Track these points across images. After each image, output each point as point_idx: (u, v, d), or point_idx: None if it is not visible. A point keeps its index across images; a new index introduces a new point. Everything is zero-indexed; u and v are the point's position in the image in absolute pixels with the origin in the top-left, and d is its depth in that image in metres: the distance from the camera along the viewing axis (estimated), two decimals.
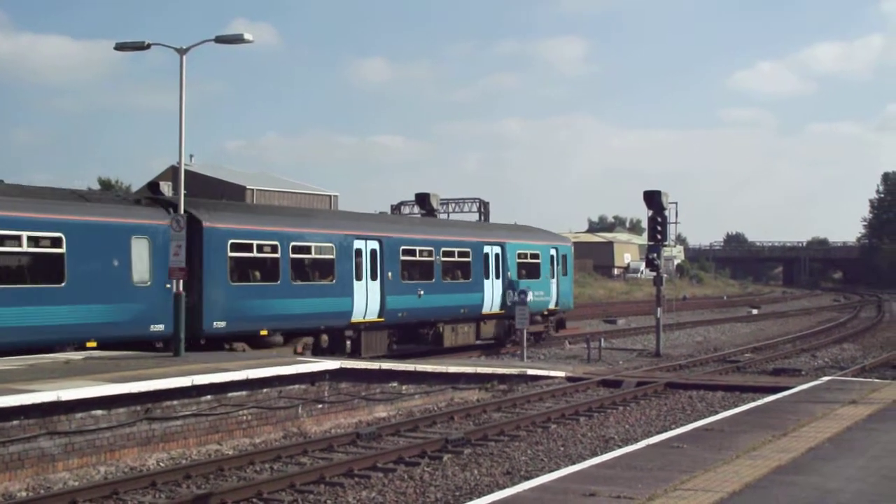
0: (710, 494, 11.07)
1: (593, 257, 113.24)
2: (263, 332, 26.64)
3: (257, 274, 26.88)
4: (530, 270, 38.50)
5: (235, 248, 26.00)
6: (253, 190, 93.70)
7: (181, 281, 22.33)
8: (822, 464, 13.03)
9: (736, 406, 21.20)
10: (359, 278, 29.72)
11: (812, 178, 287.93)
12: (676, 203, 38.22)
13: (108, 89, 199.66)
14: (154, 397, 17.10)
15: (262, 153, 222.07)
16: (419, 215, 42.18)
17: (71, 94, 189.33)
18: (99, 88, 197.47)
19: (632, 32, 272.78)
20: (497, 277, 36.37)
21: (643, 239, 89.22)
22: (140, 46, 24.24)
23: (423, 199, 41.08)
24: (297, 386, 20.45)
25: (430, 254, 33.21)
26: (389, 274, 30.82)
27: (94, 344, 22.85)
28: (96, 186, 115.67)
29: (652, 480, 12.01)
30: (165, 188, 42.66)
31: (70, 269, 22.40)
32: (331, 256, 28.94)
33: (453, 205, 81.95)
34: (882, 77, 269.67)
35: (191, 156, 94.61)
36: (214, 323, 25.24)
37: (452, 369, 25.34)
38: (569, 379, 27.88)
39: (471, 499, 12.65)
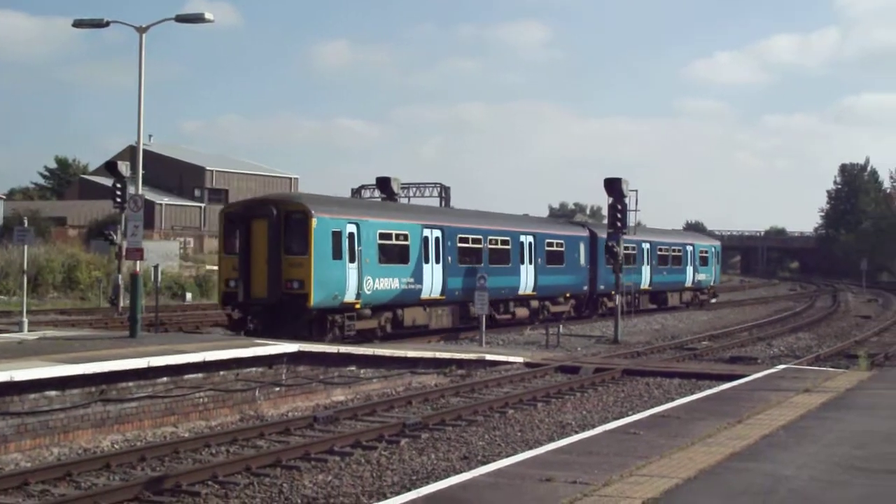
0: (666, 480, 11.12)
1: None
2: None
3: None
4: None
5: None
6: (212, 171, 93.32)
7: (138, 262, 22.27)
8: (776, 451, 13.13)
9: (692, 393, 21.33)
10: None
11: (770, 169, 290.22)
12: (636, 191, 38.45)
13: (65, 67, 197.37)
14: (109, 378, 16.97)
15: (221, 134, 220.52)
16: (380, 199, 42.13)
17: (27, 72, 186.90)
18: (56, 66, 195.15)
19: (592, 19, 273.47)
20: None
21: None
22: (98, 24, 24.12)
23: (384, 184, 40.98)
24: (254, 369, 20.41)
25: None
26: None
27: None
28: (53, 165, 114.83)
29: (608, 466, 12.05)
30: (123, 168, 42.36)
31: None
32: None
33: (414, 189, 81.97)
34: (838, 70, 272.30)
35: (150, 136, 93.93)
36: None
37: (411, 354, 25.37)
38: (527, 365, 27.96)
39: (427, 483, 12.64)
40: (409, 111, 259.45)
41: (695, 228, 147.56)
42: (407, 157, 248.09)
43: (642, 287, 51.91)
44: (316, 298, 28.46)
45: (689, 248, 58.26)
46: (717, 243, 66.07)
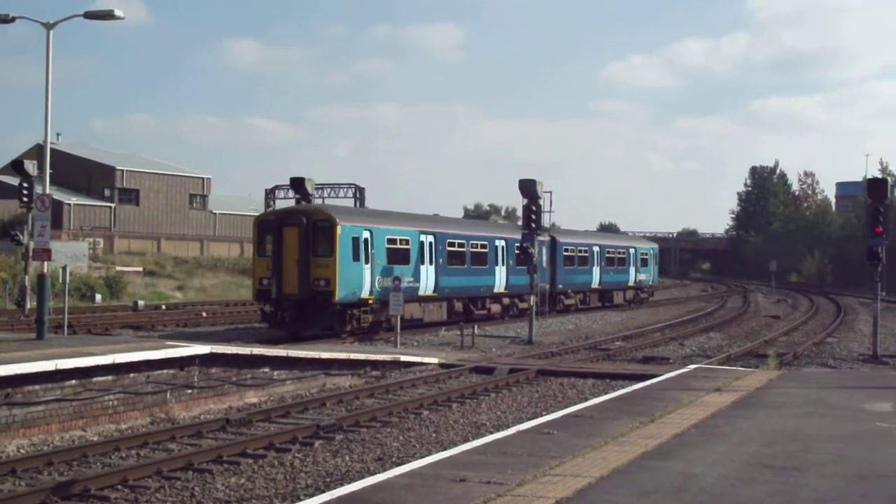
0: (579, 479, 11.21)
1: None
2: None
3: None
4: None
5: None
6: (123, 171, 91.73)
7: (45, 262, 21.88)
8: (687, 450, 13.30)
9: (606, 393, 21.52)
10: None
11: (681, 171, 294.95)
12: (551, 192, 38.86)
13: None
14: (14, 381, 16.63)
15: (131, 133, 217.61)
16: (296, 200, 41.93)
17: None
18: None
19: (507, 20, 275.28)
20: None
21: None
22: (4, 20, 23.59)
23: (297, 184, 40.71)
24: (165, 371, 20.15)
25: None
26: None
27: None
28: None
29: (522, 466, 12.11)
30: (30, 167, 41.48)
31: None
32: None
33: (328, 190, 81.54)
34: (747, 74, 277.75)
35: (57, 134, 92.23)
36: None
37: (325, 355, 25.24)
38: (442, 366, 27.99)
39: (342, 485, 12.58)
40: (322, 111, 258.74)
41: (608, 229, 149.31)
42: (320, 158, 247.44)
43: (593, 286, 57.76)
44: (340, 294, 33.97)
45: (632, 251, 64.04)
46: (655, 246, 71.80)
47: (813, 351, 35.03)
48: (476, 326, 36.31)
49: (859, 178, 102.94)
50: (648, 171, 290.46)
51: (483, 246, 44.66)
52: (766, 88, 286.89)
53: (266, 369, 23.09)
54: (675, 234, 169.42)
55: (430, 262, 39.92)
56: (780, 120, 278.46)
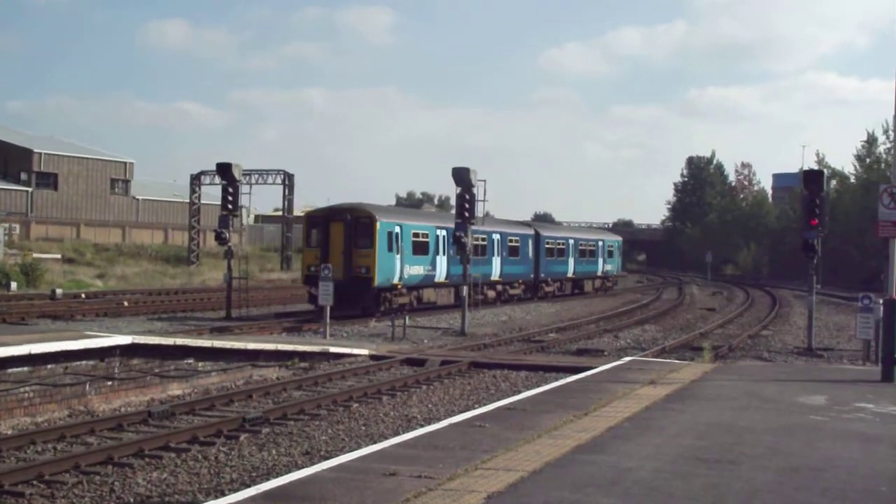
0: (511, 473, 11.27)
1: None
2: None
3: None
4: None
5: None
6: (41, 154, 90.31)
7: None
8: (621, 443, 13.44)
9: (539, 386, 21.64)
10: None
11: (618, 160, 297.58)
12: (485, 181, 38.67)
13: None
14: None
15: (51, 116, 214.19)
16: (222, 186, 41.59)
17: None
18: None
19: (442, 5, 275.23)
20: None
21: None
22: None
23: (224, 170, 40.29)
24: (85, 362, 19.88)
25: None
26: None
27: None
28: None
29: (453, 460, 12.15)
30: None
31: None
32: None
33: (257, 176, 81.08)
34: (684, 62, 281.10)
35: None
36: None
37: (252, 346, 25.09)
38: (372, 357, 27.96)
39: (268, 479, 12.49)
40: (249, 94, 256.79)
41: (542, 219, 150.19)
42: (247, 143, 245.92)
43: (568, 276, 65.33)
44: (378, 280, 41.10)
45: (601, 243, 71.75)
46: (620, 239, 79.46)
47: (748, 344, 35.49)
48: (407, 317, 36.33)
49: (796, 170, 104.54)
50: (584, 159, 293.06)
51: (483, 240, 50.86)
52: (703, 78, 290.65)
53: (190, 360, 22.91)
54: (610, 225, 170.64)
55: (444, 254, 47.00)
56: (717, 110, 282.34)
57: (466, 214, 36.97)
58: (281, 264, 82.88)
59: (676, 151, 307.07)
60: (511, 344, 34.16)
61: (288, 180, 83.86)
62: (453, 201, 38.85)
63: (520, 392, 20.95)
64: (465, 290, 38.10)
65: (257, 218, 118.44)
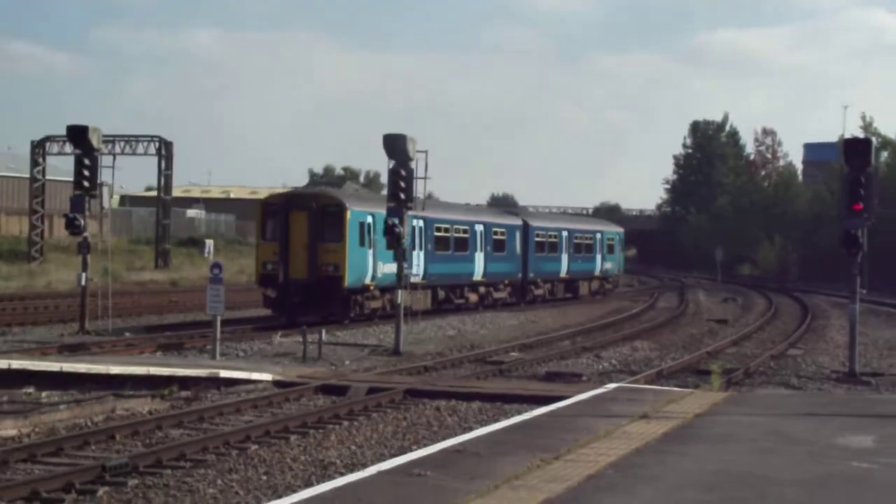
0: None
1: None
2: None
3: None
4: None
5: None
6: None
7: None
8: (603, 496, 13.45)
9: (497, 421, 21.71)
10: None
11: (600, 126, 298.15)
12: (426, 152, 38.49)
13: None
14: None
15: None
16: (77, 154, 41.16)
17: None
18: None
19: None
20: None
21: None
22: None
23: (78, 135, 39.70)
24: None
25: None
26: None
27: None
28: None
29: None
30: None
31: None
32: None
33: (123, 144, 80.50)
34: None
35: None
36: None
37: (115, 370, 24.94)
38: (277, 384, 27.83)
39: None
40: (113, 35, 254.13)
41: (502, 204, 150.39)
42: (110, 100, 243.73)
43: (561, 275, 69.01)
44: (349, 280, 44.01)
45: (598, 236, 75.35)
46: (621, 230, 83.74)
47: (770, 367, 35.68)
48: (324, 331, 36.22)
49: (834, 139, 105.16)
50: (556, 125, 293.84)
51: (465, 231, 55.74)
52: (712, 17, 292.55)
53: (30, 390, 22.74)
54: (590, 211, 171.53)
55: (420, 248, 50.54)
56: (731, 60, 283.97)
57: (402, 196, 36.91)
58: (156, 261, 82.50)
59: (677, 115, 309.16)
60: (460, 366, 34.13)
61: (165, 150, 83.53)
62: (384, 179, 38.91)
63: (471, 429, 20.92)
64: (399, 295, 38.08)
65: (124, 199, 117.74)
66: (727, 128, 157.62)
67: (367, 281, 45.65)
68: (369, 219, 45.59)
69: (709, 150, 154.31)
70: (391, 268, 43.70)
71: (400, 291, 38.23)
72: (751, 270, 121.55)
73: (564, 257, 68.99)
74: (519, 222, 63.84)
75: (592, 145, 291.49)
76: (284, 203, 45.81)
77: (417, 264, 49.77)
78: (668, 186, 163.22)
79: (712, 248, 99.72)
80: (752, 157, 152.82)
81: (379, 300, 46.64)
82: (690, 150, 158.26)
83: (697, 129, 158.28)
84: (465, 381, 30.14)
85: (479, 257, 57.21)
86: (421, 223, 50.39)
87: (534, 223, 65.86)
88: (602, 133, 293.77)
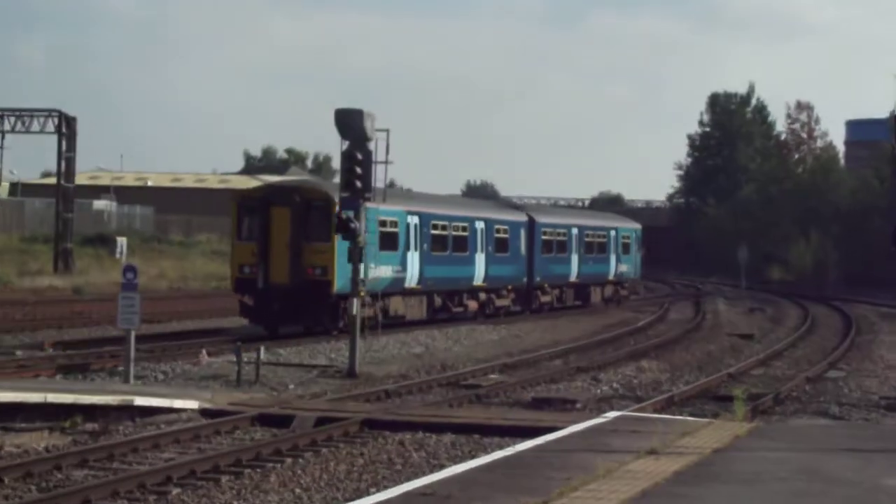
0: None
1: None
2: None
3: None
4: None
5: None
6: None
7: None
8: None
9: (472, 457, 21.81)
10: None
11: (600, 100, 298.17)
12: (388, 131, 38.39)
13: None
14: None
15: None
16: None
17: None
18: None
19: None
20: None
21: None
22: None
23: None
24: None
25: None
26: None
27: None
28: None
29: None
30: None
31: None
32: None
33: (13, 120, 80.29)
34: None
35: None
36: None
37: (3, 396, 24.78)
38: (205, 413, 27.86)
39: None
40: None
41: (481, 195, 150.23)
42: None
43: (570, 280, 72.02)
44: (338, 284, 44.97)
45: (613, 234, 78.33)
46: (638, 227, 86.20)
47: (806, 391, 35.95)
48: (262, 349, 36.24)
49: (883, 114, 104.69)
50: (546, 98, 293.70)
51: (464, 228, 58.81)
52: None
53: None
54: (586, 203, 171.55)
55: (416, 248, 53.61)
56: (758, 20, 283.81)
57: (358, 184, 36.82)
58: (55, 264, 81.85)
59: (692, 86, 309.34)
60: (429, 390, 34.22)
61: (66, 127, 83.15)
62: (336, 164, 38.89)
63: (442, 467, 20.96)
64: (354, 305, 38.03)
65: (15, 188, 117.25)
66: (753, 101, 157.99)
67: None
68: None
69: (730, 128, 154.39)
70: (384, 271, 49.07)
71: (355, 301, 38.18)
72: (782, 274, 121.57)
73: (574, 258, 71.78)
74: (524, 218, 66.72)
75: (589, 124, 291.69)
76: (263, 197, 48.12)
77: (412, 267, 52.97)
78: (681, 173, 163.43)
79: (735, 247, 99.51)
80: (783, 136, 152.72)
81: (371, 308, 47.74)
82: (708, 129, 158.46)
83: (717, 103, 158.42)
84: (435, 408, 30.23)
85: (480, 259, 59.82)
86: (416, 220, 53.45)
87: (540, 219, 68.64)
88: (601, 109, 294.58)
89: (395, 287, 51.64)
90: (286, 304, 45.43)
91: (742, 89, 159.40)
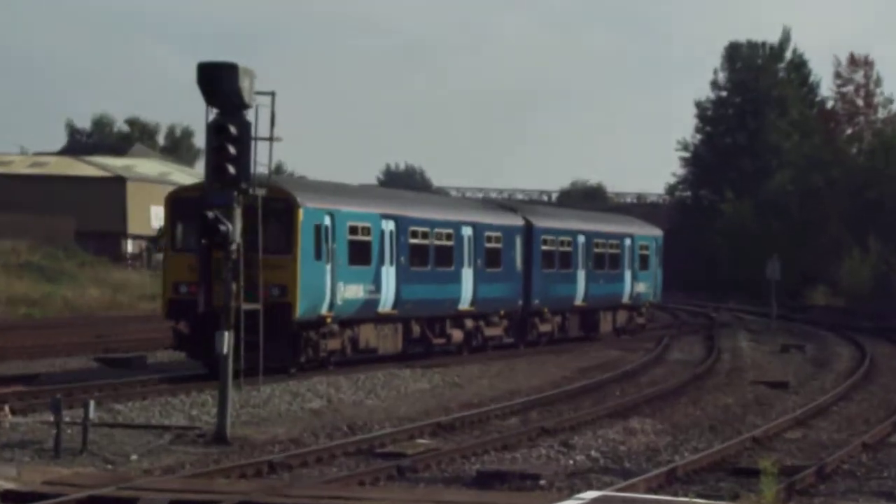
0: None
1: (77, 212, 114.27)
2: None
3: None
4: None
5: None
6: None
7: None
8: None
9: None
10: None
11: (571, 51, 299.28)
12: (274, 95, 38.31)
13: None
14: None
15: None
16: None
17: None
18: None
19: None
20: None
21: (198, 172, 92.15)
22: None
23: None
24: None
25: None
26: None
27: None
28: None
29: None
30: None
31: None
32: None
33: None
34: None
35: None
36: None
37: None
38: (9, 497, 27.79)
39: None
40: None
41: (404, 183, 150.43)
42: None
43: (576, 303, 76.66)
44: (302, 308, 50.06)
45: (628, 242, 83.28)
46: (659, 233, 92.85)
47: (862, 464, 36.04)
48: (92, 404, 36.09)
49: None
50: (492, 48, 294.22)
51: (448, 237, 63.15)
52: None
53: None
54: (553, 197, 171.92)
55: (392, 262, 58.22)
56: None
57: (231, 169, 36.75)
58: None
59: (702, 33, 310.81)
60: (331, 462, 34.50)
61: None
62: (200, 140, 39.11)
63: None
64: (223, 340, 37.81)
65: None
66: (788, 54, 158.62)
67: (324, 311, 52.02)
68: (327, 219, 52.34)
69: (756, 90, 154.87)
70: (355, 291, 53.78)
71: (225, 335, 38.02)
72: (828, 298, 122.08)
73: (581, 275, 76.61)
74: (519, 222, 71.32)
75: (558, 86, 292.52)
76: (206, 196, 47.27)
77: (387, 286, 57.37)
78: (687, 155, 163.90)
79: (762, 258, 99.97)
80: (830, 104, 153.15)
81: (337, 338, 52.72)
82: (725, 93, 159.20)
83: (738, 55, 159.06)
84: (339, 487, 30.15)
85: (468, 275, 64.60)
86: (391, 225, 58.11)
87: (539, 223, 72.97)
88: (574, 64, 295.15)
89: (367, 311, 55.53)
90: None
91: (773, 37, 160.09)
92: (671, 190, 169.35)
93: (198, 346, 49.11)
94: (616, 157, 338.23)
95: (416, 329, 59.93)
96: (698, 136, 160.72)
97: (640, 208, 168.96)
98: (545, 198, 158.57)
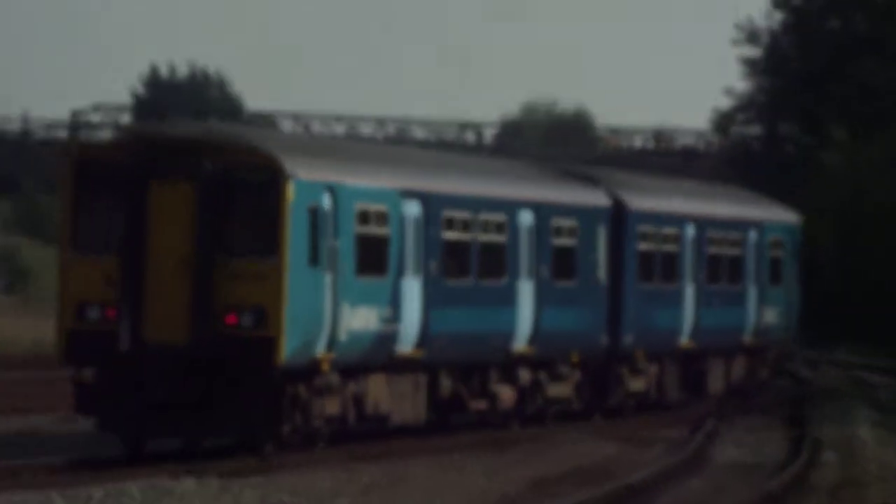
0: None
1: None
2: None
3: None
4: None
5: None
6: None
7: None
8: None
9: None
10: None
11: None
12: None
13: None
14: None
15: None
16: None
17: None
18: None
19: None
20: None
21: None
22: None
23: None
24: None
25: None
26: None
27: None
28: None
29: None
30: None
31: None
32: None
33: None
34: None
35: None
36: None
37: None
38: None
39: None
40: None
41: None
42: None
43: (680, 342, 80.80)
44: (289, 347, 52.61)
45: (753, 236, 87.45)
46: (793, 219, 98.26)
47: None
48: None
49: None
50: None
51: (499, 227, 67.63)
52: None
53: None
54: (486, 133, 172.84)
55: (417, 270, 62.16)
56: None
57: None
58: None
59: None
60: None
61: None
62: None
63: None
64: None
65: None
66: None
67: (321, 349, 54.23)
68: (326, 199, 54.34)
69: None
70: (365, 318, 56.49)
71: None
72: None
73: (689, 293, 76.87)
74: (604, 201, 75.05)
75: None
76: (136, 161, 51.52)
77: (409, 311, 60.73)
78: (746, 69, 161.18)
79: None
80: None
81: (337, 396, 55.52)
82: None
83: None
84: None
85: (526, 292, 68.57)
86: (416, 209, 61.18)
87: (635, 203, 75.36)
88: None
89: (380, 353, 58.17)
90: (178, 387, 44.42)
91: None
92: (721, 124, 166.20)
93: (114, 407, 49.09)
94: (613, 66, 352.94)
95: (447, 384, 61.48)
96: (763, 44, 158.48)
97: (661, 159, 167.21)
98: (471, 135, 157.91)
